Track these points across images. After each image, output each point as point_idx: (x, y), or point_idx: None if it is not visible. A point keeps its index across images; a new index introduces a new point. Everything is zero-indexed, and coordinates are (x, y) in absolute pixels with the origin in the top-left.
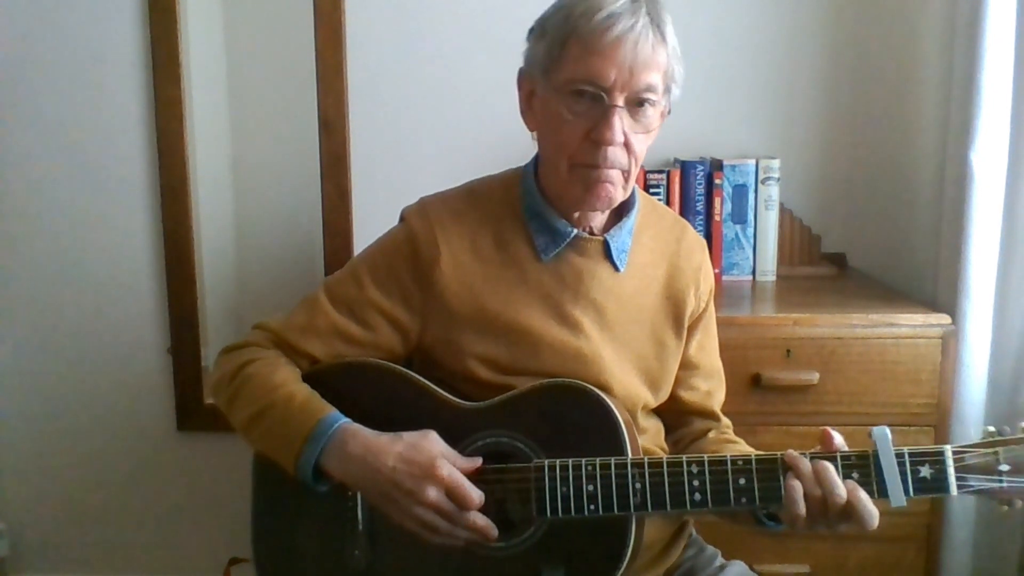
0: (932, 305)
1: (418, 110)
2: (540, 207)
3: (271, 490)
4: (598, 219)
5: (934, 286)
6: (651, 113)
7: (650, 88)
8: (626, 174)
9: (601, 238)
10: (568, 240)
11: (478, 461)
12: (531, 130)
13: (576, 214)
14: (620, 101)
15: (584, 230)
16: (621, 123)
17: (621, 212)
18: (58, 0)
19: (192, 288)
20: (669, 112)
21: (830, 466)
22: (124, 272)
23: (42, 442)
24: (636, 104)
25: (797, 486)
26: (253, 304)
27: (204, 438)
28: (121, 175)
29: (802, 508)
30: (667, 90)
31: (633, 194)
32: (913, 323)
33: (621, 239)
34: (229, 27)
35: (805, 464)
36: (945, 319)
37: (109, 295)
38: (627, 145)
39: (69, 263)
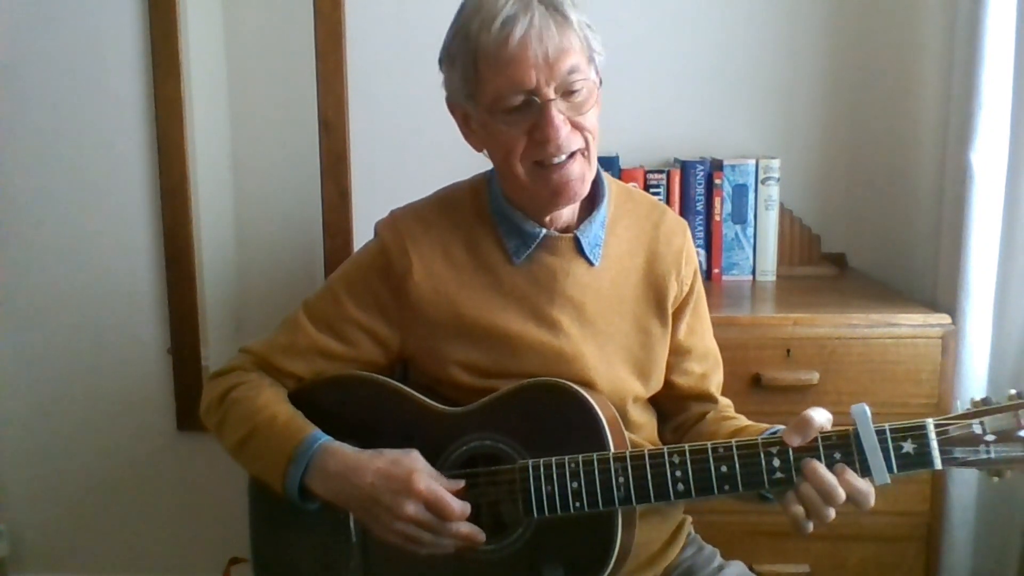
0: (932, 305)
1: (418, 110)
2: (507, 211)
3: (268, 500)
4: (567, 215)
5: (934, 286)
6: (584, 92)
7: (573, 70)
8: (585, 153)
9: (572, 235)
10: (538, 241)
11: (460, 483)
12: (478, 150)
13: (547, 217)
14: (551, 94)
15: (554, 228)
16: (560, 114)
17: (591, 205)
18: (58, 0)
19: (192, 288)
20: (600, 82)
21: (839, 490)
22: (124, 272)
23: (42, 442)
24: (568, 92)
25: (800, 512)
26: (253, 304)
27: (204, 438)
28: (121, 175)
29: (806, 526)
30: (591, 60)
31: (603, 185)
32: (913, 323)
33: (593, 233)
34: (229, 27)
35: (823, 478)
36: (945, 319)
37: (109, 295)
38: (576, 126)
39: (69, 263)
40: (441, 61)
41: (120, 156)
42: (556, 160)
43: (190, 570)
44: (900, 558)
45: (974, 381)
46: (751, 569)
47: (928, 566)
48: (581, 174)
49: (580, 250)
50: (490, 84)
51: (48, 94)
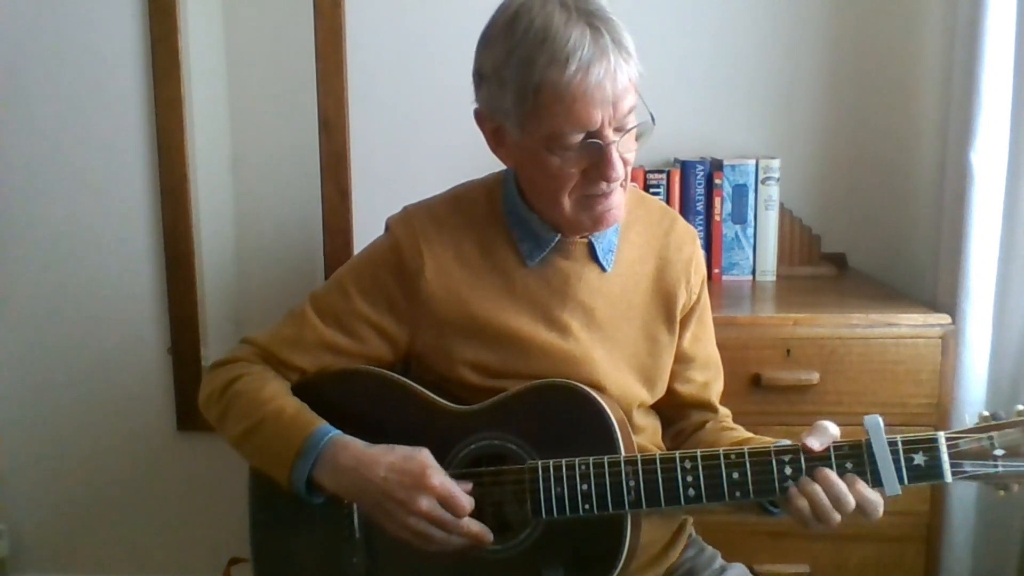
0: (932, 305)
1: (418, 110)
2: (523, 213)
3: (268, 498)
4: None
5: (934, 286)
6: (636, 129)
7: (631, 110)
8: (624, 183)
9: (586, 240)
10: (553, 244)
11: (468, 485)
12: (508, 166)
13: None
14: (612, 136)
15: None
16: (618, 153)
17: None
18: (58, 0)
19: (192, 288)
20: (654, 119)
21: (849, 498)
22: (124, 272)
23: (42, 442)
24: (622, 129)
25: (805, 507)
26: (253, 304)
27: (204, 438)
28: (121, 175)
29: (813, 524)
30: (637, 91)
31: None
32: (913, 323)
33: (607, 239)
34: (229, 27)
35: (834, 483)
36: (945, 319)
37: (109, 295)
38: (624, 160)
39: (69, 263)
40: (481, 75)
41: (120, 156)
42: (602, 191)
43: (190, 570)
44: (900, 558)
45: (974, 381)
46: (751, 570)
47: (928, 566)
48: (621, 202)
49: (593, 255)
50: (551, 120)
51: (48, 94)
